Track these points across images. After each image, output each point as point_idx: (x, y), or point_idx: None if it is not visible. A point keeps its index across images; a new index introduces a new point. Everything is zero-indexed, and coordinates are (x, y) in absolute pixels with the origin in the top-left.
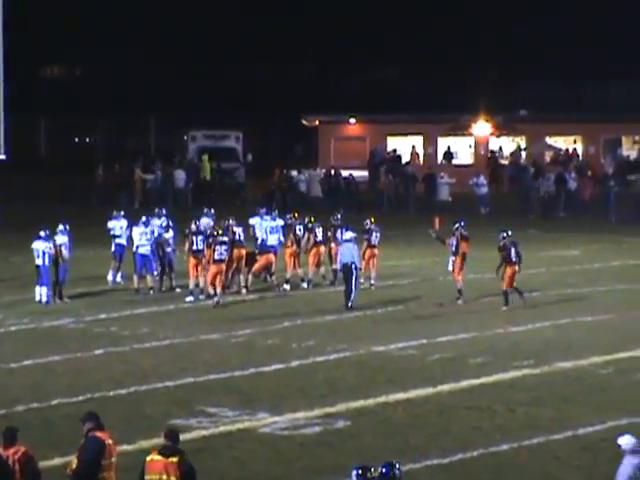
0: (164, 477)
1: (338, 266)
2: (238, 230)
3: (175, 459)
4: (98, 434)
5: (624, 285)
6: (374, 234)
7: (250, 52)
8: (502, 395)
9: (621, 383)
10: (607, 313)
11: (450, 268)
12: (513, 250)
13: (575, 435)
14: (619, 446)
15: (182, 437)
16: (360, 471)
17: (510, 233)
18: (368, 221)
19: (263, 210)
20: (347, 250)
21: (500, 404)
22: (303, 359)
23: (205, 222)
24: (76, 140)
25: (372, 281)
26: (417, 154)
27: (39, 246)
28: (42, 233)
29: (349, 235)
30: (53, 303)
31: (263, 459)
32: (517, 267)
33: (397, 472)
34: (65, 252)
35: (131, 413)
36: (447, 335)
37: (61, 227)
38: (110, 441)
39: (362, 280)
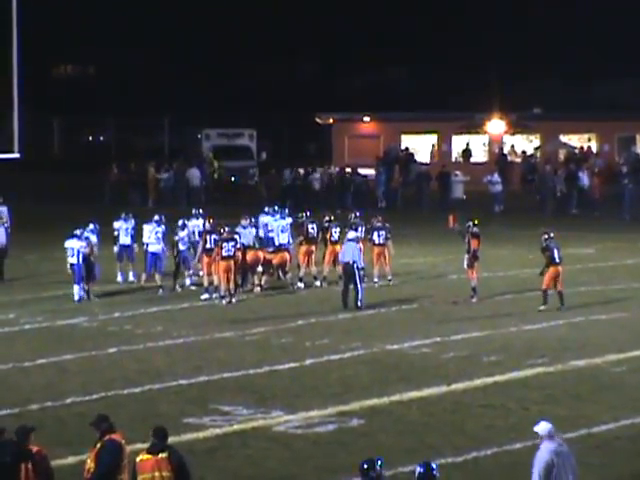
0: (157, 474)
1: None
2: (245, 231)
3: (164, 455)
4: (114, 437)
5: (638, 283)
6: (376, 233)
7: (262, 51)
8: (516, 393)
9: (635, 381)
10: (621, 311)
11: (466, 266)
12: (556, 251)
13: (589, 433)
14: (537, 433)
15: (196, 435)
16: (365, 466)
17: (552, 235)
18: (374, 220)
19: (275, 208)
20: (349, 249)
21: (514, 402)
22: (317, 357)
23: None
24: (89, 139)
25: (389, 277)
26: (437, 152)
27: (74, 245)
28: (77, 232)
29: (352, 235)
30: (87, 301)
31: (277, 458)
32: (559, 268)
33: (434, 472)
34: (95, 251)
35: (145, 412)
36: (461, 333)
37: (91, 226)
38: (123, 442)
39: (376, 279)
